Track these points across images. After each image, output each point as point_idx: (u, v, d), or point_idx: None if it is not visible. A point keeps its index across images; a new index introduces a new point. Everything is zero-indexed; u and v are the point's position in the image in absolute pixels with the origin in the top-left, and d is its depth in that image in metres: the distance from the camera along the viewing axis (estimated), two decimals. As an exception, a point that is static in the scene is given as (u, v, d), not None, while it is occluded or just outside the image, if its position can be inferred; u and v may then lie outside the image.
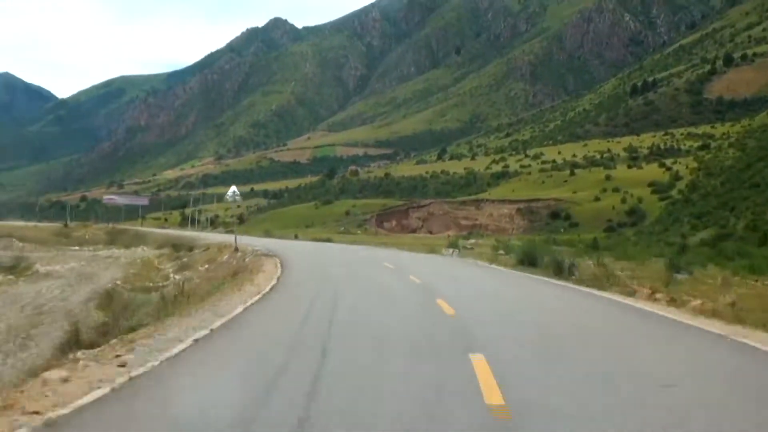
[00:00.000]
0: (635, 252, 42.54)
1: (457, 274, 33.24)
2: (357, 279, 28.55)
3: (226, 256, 36.12)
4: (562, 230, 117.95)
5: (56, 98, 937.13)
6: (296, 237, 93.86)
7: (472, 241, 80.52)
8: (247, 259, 33.15)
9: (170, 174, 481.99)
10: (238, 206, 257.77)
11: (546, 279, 29.44)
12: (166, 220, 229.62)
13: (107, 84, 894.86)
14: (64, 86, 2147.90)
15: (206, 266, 33.28)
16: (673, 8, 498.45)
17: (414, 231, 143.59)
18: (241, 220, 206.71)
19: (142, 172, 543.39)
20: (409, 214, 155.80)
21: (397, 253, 54.46)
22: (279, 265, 32.36)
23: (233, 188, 45.99)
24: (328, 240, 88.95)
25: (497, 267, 38.57)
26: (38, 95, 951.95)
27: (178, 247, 44.09)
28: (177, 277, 30.25)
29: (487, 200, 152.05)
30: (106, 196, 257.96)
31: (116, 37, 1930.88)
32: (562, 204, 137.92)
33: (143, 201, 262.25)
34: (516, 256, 40.28)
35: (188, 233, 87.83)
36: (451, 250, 51.30)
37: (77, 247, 48.49)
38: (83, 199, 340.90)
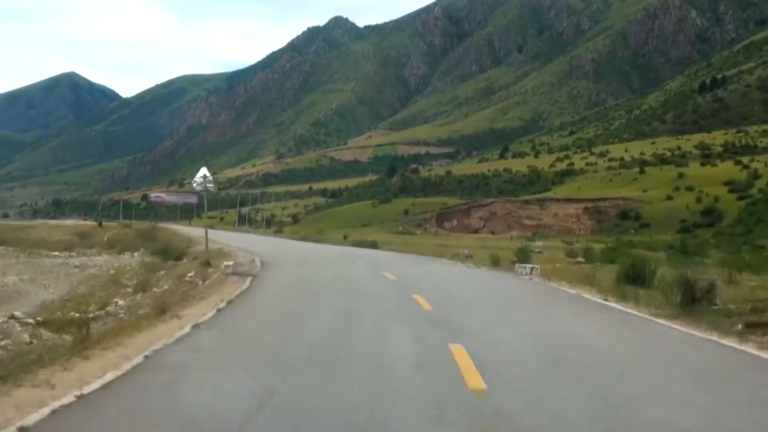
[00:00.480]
0: (758, 261, 32.45)
1: (562, 335, 14.80)
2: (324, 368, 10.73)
3: (192, 273, 28.89)
4: (632, 231, 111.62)
5: (120, 98, 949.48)
6: (345, 238, 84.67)
7: (539, 243, 73.92)
8: (208, 281, 24.79)
9: (231, 173, 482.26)
10: (295, 205, 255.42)
11: (704, 335, 14.23)
12: (221, 219, 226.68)
13: (170, 83, 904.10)
14: (128, 86, 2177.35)
15: (164, 287, 26.98)
16: (741, 5, 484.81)
17: (476, 231, 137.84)
18: (294, 219, 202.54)
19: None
20: (471, 213, 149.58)
21: (448, 272, 34.70)
22: (227, 299, 19.44)
23: (203, 171, 34.64)
24: (373, 245, 67.93)
25: (616, 306, 19.46)
26: (103, 95, 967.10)
27: (167, 254, 36.45)
28: (122, 302, 24.18)
29: (551, 199, 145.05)
30: (153, 194, 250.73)
31: (179, 37, 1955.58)
32: (632, 203, 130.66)
33: (192, 199, 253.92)
34: (599, 263, 31.64)
35: (200, 233, 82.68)
36: (528, 268, 31.65)
37: (57, 253, 41.28)
38: (144, 197, 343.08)
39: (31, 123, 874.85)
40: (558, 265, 35.52)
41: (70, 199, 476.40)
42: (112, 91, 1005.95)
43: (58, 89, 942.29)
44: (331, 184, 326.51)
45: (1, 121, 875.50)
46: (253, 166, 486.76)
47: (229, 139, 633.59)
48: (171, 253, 34.00)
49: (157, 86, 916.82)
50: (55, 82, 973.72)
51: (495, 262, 38.25)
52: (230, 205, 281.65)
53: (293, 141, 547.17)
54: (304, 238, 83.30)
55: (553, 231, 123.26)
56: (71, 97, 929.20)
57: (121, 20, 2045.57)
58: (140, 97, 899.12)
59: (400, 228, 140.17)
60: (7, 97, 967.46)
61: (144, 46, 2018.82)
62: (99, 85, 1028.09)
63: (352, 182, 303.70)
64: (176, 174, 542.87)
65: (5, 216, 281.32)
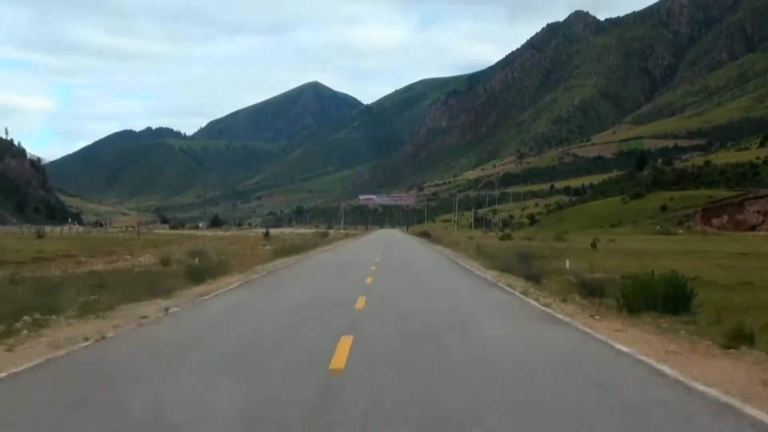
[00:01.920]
0: None
1: None
2: None
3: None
4: None
5: (361, 104, 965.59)
6: (594, 247, 60.64)
7: None
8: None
9: (470, 174, 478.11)
10: (536, 205, 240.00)
11: None
12: (456, 222, 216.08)
13: (409, 88, 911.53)
14: (368, 92, 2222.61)
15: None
16: None
17: (752, 228, 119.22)
18: (531, 220, 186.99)
19: (443, 173, 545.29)
20: (745, 207, 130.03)
21: None
22: None
23: None
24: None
25: None
26: (345, 103, 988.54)
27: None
28: None
29: None
30: (362, 197, 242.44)
31: (418, 43, 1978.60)
32: None
33: (408, 201, 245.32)
34: None
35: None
36: None
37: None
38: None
39: (277, 133, 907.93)
40: None
41: (312, 207, 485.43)
42: (354, 99, 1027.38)
43: (302, 99, 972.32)
44: (574, 182, 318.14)
45: (250, 133, 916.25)
46: (494, 166, 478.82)
47: (469, 140, 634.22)
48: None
49: (397, 91, 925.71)
50: (299, 92, 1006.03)
51: None
52: (468, 207, 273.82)
53: (534, 140, 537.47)
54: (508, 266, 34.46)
55: None
56: (315, 106, 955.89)
57: (361, 28, 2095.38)
58: (380, 103, 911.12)
59: (658, 227, 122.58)
60: (255, 110, 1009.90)
61: (383, 53, 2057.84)
62: (341, 93, 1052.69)
63: (596, 179, 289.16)
64: (417, 177, 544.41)
65: (238, 225, 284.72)
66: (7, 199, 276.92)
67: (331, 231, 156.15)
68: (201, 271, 27.29)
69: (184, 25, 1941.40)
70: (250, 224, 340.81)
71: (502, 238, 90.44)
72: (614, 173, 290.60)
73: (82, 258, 42.04)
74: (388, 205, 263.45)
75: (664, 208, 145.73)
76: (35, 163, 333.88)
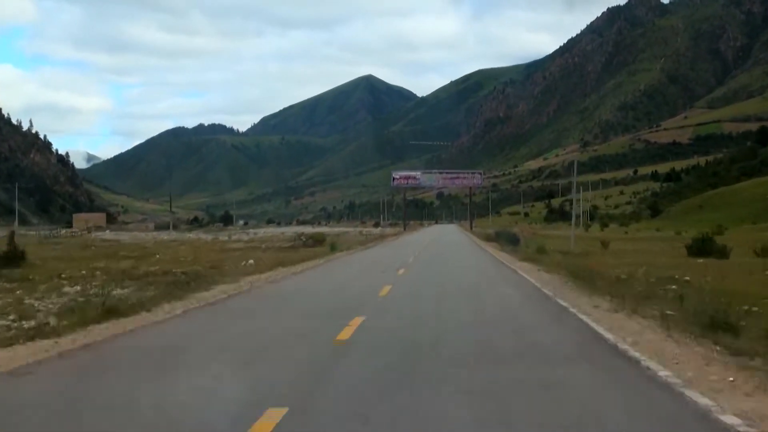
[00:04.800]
0: None
1: None
2: None
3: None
4: None
5: (416, 97, 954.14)
6: None
7: None
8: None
9: (532, 164, 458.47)
10: (621, 193, 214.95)
11: None
12: (526, 215, 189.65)
13: (465, 79, 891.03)
14: (423, 85, 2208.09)
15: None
16: None
17: None
18: (654, 210, 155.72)
19: (503, 164, 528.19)
20: None
21: None
22: None
23: None
24: None
25: None
26: (399, 95, 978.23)
27: None
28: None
29: None
30: (397, 174, 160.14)
31: (472, 34, 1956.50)
32: None
33: (472, 181, 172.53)
34: None
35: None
36: None
37: None
38: (439, 195, 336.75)
39: (331, 128, 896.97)
40: None
41: (365, 202, 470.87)
42: (408, 91, 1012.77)
43: (357, 93, 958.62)
44: (651, 169, 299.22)
45: (303, 128, 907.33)
46: (557, 155, 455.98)
47: (529, 129, 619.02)
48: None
49: (453, 83, 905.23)
50: (353, 86, 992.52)
51: None
52: (535, 198, 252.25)
53: (599, 127, 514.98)
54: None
55: None
56: (369, 100, 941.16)
57: (414, 20, 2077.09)
58: (436, 95, 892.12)
59: None
60: (308, 105, 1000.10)
61: (438, 45, 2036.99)
62: (395, 86, 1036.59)
63: (678, 165, 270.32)
64: (475, 169, 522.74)
65: (273, 223, 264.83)
66: (30, 198, 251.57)
67: (364, 230, 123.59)
68: None
69: (236, 20, 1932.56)
70: (298, 220, 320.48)
71: (719, 255, 37.42)
72: (695, 158, 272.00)
73: None
74: (441, 188, 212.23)
75: None
76: (63, 158, 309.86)
